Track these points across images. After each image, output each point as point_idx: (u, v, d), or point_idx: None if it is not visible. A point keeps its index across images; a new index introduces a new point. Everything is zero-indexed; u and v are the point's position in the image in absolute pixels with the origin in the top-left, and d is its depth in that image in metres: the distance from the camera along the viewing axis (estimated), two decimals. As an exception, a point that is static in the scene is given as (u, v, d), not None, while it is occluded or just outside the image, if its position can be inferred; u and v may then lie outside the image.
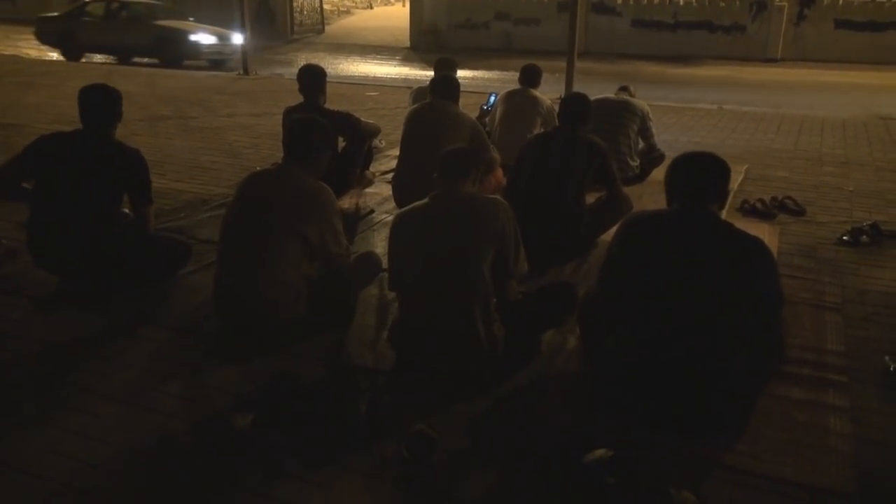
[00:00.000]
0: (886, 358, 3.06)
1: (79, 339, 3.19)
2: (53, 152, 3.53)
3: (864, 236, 4.57)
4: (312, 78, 4.87)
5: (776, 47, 18.05)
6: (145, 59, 15.57)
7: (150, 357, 3.06)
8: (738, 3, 18.82)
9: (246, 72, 12.51)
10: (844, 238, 4.59)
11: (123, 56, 15.81)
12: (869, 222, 4.73)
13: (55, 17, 16.70)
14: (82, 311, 3.44)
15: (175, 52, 14.85)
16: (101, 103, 3.59)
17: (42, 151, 3.54)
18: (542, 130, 5.43)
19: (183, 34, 15.07)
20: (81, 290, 3.60)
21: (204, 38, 15.18)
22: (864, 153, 7.28)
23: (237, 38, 14.60)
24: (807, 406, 2.75)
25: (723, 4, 19.05)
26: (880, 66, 16.21)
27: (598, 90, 6.36)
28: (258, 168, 3.56)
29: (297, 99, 4.88)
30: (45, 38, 16.45)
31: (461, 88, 4.93)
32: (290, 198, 3.09)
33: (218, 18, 20.40)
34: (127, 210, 3.73)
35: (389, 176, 5.35)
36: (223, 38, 15.42)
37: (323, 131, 3.31)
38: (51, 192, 3.51)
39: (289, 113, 4.76)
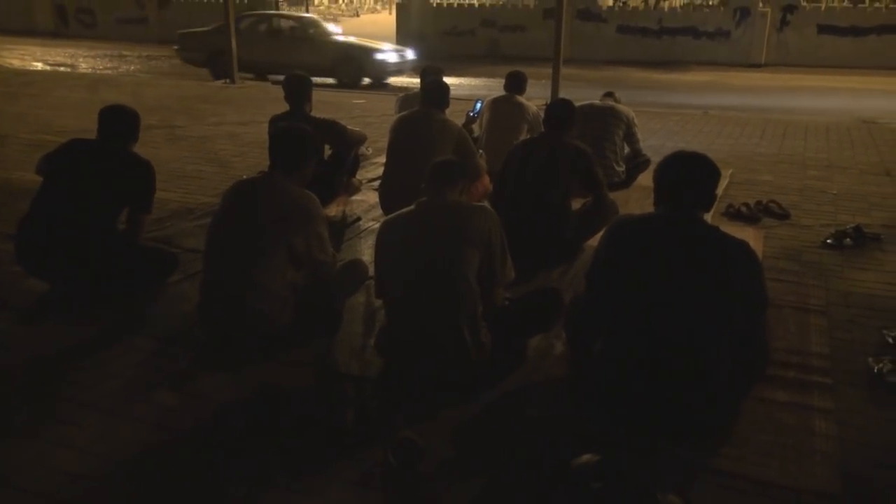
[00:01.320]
0: (870, 359, 3.08)
1: (64, 350, 3.16)
2: (68, 154, 3.64)
3: (848, 239, 4.62)
4: (298, 86, 4.87)
5: (760, 53, 18.21)
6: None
7: (136, 367, 3.04)
8: (721, 9, 18.99)
9: (232, 80, 12.48)
10: (828, 241, 4.63)
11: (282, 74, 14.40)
12: (852, 225, 4.77)
13: (203, 32, 14.80)
14: (67, 321, 3.42)
15: (358, 72, 13.78)
16: (119, 124, 3.70)
17: (59, 153, 3.66)
18: (529, 136, 5.45)
19: (368, 52, 13.97)
20: (66, 298, 3.58)
21: (390, 55, 14.16)
22: (848, 156, 7.35)
23: (410, 54, 14.36)
24: (792, 408, 2.77)
25: (707, 11, 19.22)
26: (863, 71, 16.38)
27: (583, 96, 6.39)
28: (244, 177, 3.56)
29: (284, 107, 4.87)
30: (190, 56, 14.79)
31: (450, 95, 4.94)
32: (275, 206, 3.09)
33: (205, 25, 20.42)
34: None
35: (376, 183, 5.35)
36: (401, 54, 14.50)
37: (308, 140, 3.31)
38: (56, 193, 3.56)
39: (274, 121, 4.75)
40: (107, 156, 3.62)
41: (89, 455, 2.44)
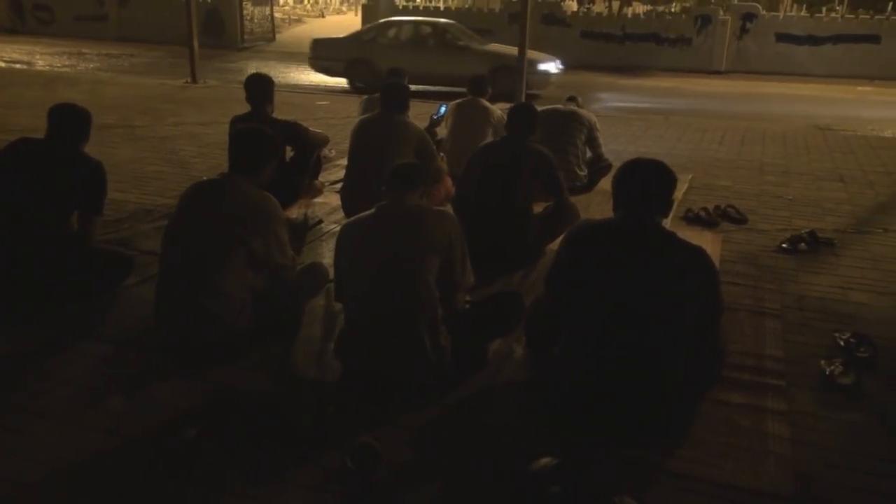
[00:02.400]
0: (822, 362, 3.15)
1: (13, 355, 3.08)
2: (15, 154, 3.53)
3: (803, 244, 4.71)
4: (260, 87, 4.82)
5: (721, 59, 18.52)
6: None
7: (89, 372, 2.98)
8: (683, 16, 19.30)
9: (194, 79, 12.32)
10: (784, 246, 4.72)
11: (430, 86, 12.82)
12: (807, 230, 4.88)
13: (339, 40, 14.08)
14: (17, 325, 3.33)
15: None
16: (69, 123, 3.60)
17: (5, 153, 3.55)
18: (492, 140, 5.46)
19: (530, 63, 12.46)
20: (15, 302, 3.49)
21: (550, 65, 13.28)
22: (803, 162, 7.51)
23: (560, 63, 13.64)
24: (747, 410, 2.81)
25: (669, 18, 19.49)
26: (819, 79, 16.77)
27: (547, 101, 6.43)
28: (203, 178, 3.50)
29: (246, 107, 4.82)
30: (324, 65, 13.84)
31: (412, 98, 4.93)
32: (234, 208, 3.05)
33: (167, 27, 20.12)
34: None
35: (338, 186, 5.32)
36: (556, 64, 13.55)
37: (268, 141, 3.28)
38: (3, 194, 3.47)
39: (235, 122, 4.70)
40: (55, 156, 3.52)
41: (37, 464, 2.38)
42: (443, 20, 14.82)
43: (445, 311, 2.88)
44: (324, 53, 13.88)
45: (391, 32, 14.13)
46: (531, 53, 13.43)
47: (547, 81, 13.12)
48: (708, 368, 2.73)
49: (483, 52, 13.36)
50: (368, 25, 14.64)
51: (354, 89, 12.80)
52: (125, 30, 21.85)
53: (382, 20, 14.95)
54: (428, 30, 14.09)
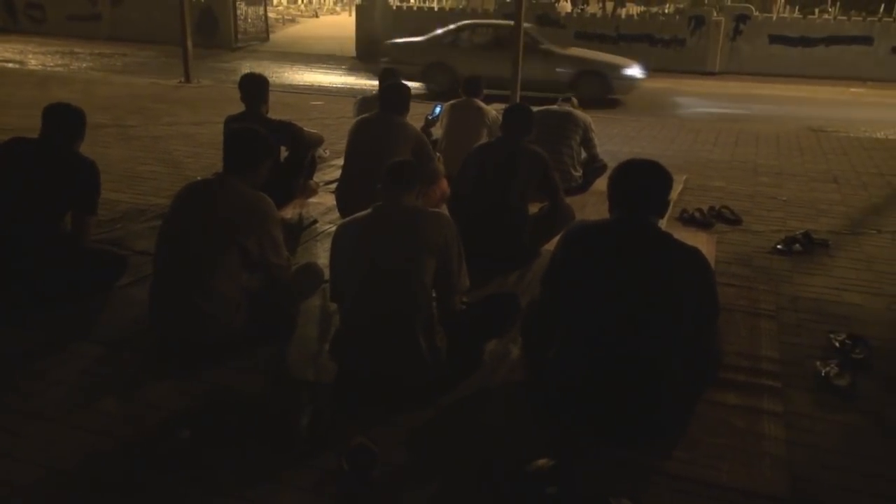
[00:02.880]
0: (817, 363, 3.15)
1: (6, 355, 3.06)
2: (8, 154, 3.51)
3: (797, 245, 4.72)
4: (254, 86, 4.80)
5: (714, 61, 18.54)
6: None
7: (83, 373, 2.96)
8: (677, 17, 19.32)
9: (187, 79, 12.28)
10: (778, 247, 4.73)
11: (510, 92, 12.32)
12: (801, 231, 4.89)
13: (416, 43, 13.59)
14: (10, 325, 3.30)
15: (604, 89, 12.37)
16: (64, 122, 3.58)
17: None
18: (488, 140, 5.46)
19: (616, 68, 12.69)
20: (8, 302, 3.46)
21: (635, 70, 12.83)
22: (797, 164, 7.53)
23: (644, 69, 13.13)
24: (742, 411, 2.82)
25: (663, 19, 19.52)
26: (811, 80, 16.81)
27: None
28: (197, 178, 3.49)
29: (240, 107, 4.80)
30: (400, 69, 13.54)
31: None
32: (228, 208, 3.03)
33: (160, 26, 20.05)
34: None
35: (333, 186, 5.31)
36: (640, 69, 13.09)
37: (262, 141, 3.26)
38: None
39: (229, 122, 4.68)
40: (49, 155, 3.50)
41: (30, 464, 2.36)
42: (524, 24, 14.35)
43: (441, 312, 2.87)
44: (399, 57, 13.27)
45: (469, 36, 13.71)
46: (616, 58, 13.37)
47: (632, 86, 12.80)
48: (704, 369, 2.72)
49: (566, 57, 13.05)
50: (445, 28, 13.96)
51: (430, 94, 12.26)
52: (118, 29, 21.73)
53: (460, 23, 14.21)
54: (507, 33, 12.97)
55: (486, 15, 20.70)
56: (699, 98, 13.91)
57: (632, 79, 12.77)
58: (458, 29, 13.81)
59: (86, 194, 3.55)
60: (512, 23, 14.27)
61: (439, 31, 13.90)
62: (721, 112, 11.94)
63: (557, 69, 12.58)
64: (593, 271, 2.60)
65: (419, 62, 12.91)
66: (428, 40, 13.60)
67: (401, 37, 20.41)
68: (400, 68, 12.96)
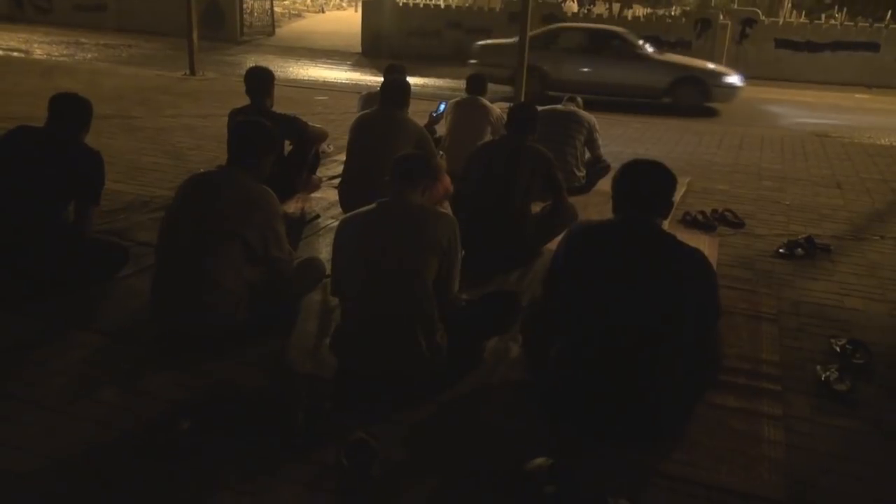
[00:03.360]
0: (818, 367, 3.15)
1: (7, 344, 3.06)
2: (13, 142, 3.50)
3: (800, 249, 4.72)
4: (260, 80, 4.80)
5: (720, 63, 18.53)
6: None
7: (83, 363, 2.96)
8: (683, 20, 19.31)
9: (192, 72, 12.28)
10: (781, 251, 4.73)
11: (604, 96, 11.94)
12: (804, 236, 4.88)
13: (507, 45, 12.67)
14: (12, 314, 3.31)
15: (702, 97, 12.02)
16: (70, 112, 3.57)
17: (4, 141, 3.52)
18: (491, 139, 5.45)
19: (717, 75, 12.33)
20: (10, 291, 3.46)
21: (736, 78, 12.37)
22: (801, 168, 7.52)
23: (743, 77, 12.66)
24: (742, 414, 2.81)
25: (669, 21, 19.51)
26: (817, 85, 16.80)
27: (546, 100, 6.42)
28: (201, 170, 3.49)
29: (244, 101, 4.80)
30: (488, 73, 11.95)
31: (412, 95, 4.91)
32: (231, 201, 3.03)
33: (166, 18, 20.05)
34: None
35: (336, 181, 5.31)
36: (740, 77, 12.63)
37: (267, 135, 3.26)
38: (2, 182, 3.44)
39: (234, 115, 4.68)
40: (55, 145, 3.49)
41: (30, 454, 2.36)
42: (617, 27, 14.02)
43: (441, 310, 2.86)
44: (488, 59, 12.83)
45: (563, 39, 13.23)
46: (716, 65, 12.97)
47: (734, 95, 12.34)
48: (704, 371, 2.72)
49: (663, 62, 12.66)
50: (537, 31, 13.21)
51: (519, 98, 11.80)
52: (124, 20, 21.73)
53: (552, 25, 13.89)
54: (602, 37, 13.19)
55: (491, 13, 20.70)
56: (793, 107, 13.43)
57: (732, 87, 12.30)
58: (550, 32, 13.37)
59: (90, 185, 3.55)
60: (608, 27, 14.08)
61: (531, 34, 13.13)
62: (823, 123, 11.39)
63: (653, 75, 12.22)
64: (595, 271, 2.60)
65: (509, 65, 12.16)
66: (518, 42, 13.11)
67: (406, 33, 20.49)
68: (488, 71, 12.10)
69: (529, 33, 13.25)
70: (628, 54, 12.54)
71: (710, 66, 12.95)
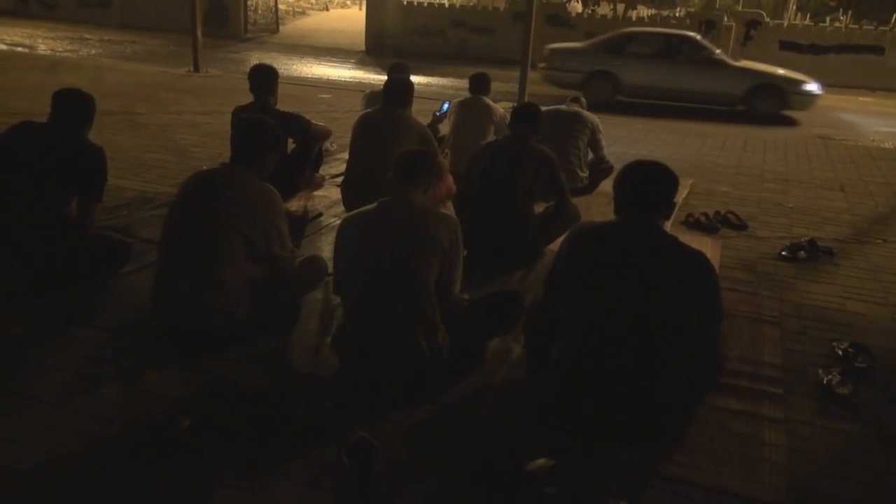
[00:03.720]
0: (820, 371, 3.15)
1: (8, 340, 3.06)
2: (17, 138, 3.50)
3: (802, 252, 4.71)
4: (263, 77, 4.80)
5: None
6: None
7: (85, 359, 2.96)
8: (688, 21, 19.29)
9: (196, 69, 12.28)
10: (783, 253, 4.72)
11: (677, 103, 11.95)
12: (807, 238, 4.87)
13: (579, 50, 12.91)
14: (13, 309, 3.31)
15: (780, 105, 11.80)
16: (73, 108, 3.57)
17: (7, 137, 3.52)
18: (494, 138, 5.45)
19: (795, 83, 11.97)
20: (12, 287, 3.46)
21: (815, 87, 11.99)
22: (804, 171, 7.51)
23: (821, 85, 12.28)
24: (743, 417, 2.81)
25: (674, 22, 19.48)
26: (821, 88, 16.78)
27: (550, 101, 6.42)
28: (204, 167, 3.49)
29: (248, 98, 4.80)
30: (560, 77, 12.59)
31: (415, 94, 4.91)
32: (234, 198, 3.03)
33: (170, 15, 20.05)
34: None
35: (339, 179, 5.31)
36: (819, 85, 12.20)
37: (271, 132, 3.26)
38: (3, 178, 3.44)
39: (238, 112, 4.68)
40: (58, 141, 3.49)
41: (30, 450, 2.36)
42: (690, 33, 13.80)
43: (443, 310, 2.86)
44: (561, 64, 12.75)
45: (636, 44, 12.84)
46: (794, 73, 12.57)
47: (812, 103, 11.99)
48: (705, 373, 2.72)
49: (740, 69, 12.33)
50: (607, 35, 13.38)
51: (591, 105, 11.79)
52: (128, 16, 21.76)
53: (624, 30, 13.62)
54: (677, 42, 12.77)
55: (495, 13, 20.69)
56: (870, 116, 13.26)
57: (811, 95, 11.95)
58: (622, 37, 13.01)
59: (93, 181, 3.55)
60: (682, 32, 13.63)
61: (601, 38, 13.28)
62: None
63: (729, 82, 12.00)
64: (597, 272, 2.59)
65: (581, 70, 12.27)
66: (592, 48, 12.96)
67: (410, 32, 20.46)
68: (560, 76, 12.50)
69: (599, 38, 13.15)
70: (703, 60, 12.25)
71: (789, 73, 12.60)
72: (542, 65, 12.90)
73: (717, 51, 12.72)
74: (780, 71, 12.61)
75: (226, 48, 17.97)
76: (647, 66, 12.32)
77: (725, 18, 18.86)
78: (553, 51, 13.04)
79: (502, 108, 5.94)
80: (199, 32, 12.21)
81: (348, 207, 4.61)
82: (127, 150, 6.42)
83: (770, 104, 11.76)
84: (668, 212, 2.72)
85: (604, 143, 6.03)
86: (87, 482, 2.25)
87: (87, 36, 18.70)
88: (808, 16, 20.84)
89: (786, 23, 19.39)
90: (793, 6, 25.86)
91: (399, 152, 3.00)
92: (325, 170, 5.83)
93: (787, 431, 2.73)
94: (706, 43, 12.86)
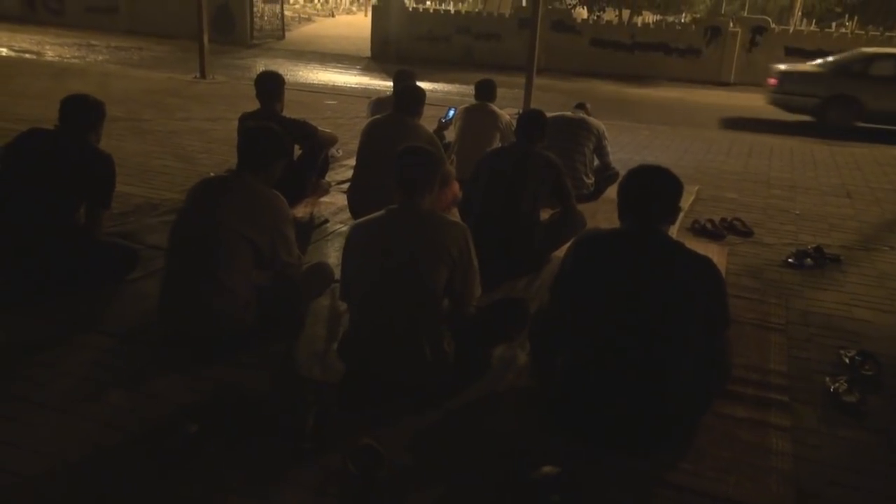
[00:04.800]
0: (826, 379, 3.14)
1: (15, 345, 3.08)
2: (26, 144, 3.52)
3: (809, 259, 4.70)
4: (270, 84, 4.81)
5: (729, 71, 18.53)
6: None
7: (91, 365, 2.97)
8: (693, 27, 19.33)
9: (203, 75, 12.33)
10: (790, 260, 4.71)
11: None
12: (813, 245, 4.86)
13: (814, 73, 11.91)
14: (21, 315, 3.32)
15: None
16: (82, 114, 3.59)
17: (16, 143, 3.53)
18: (500, 145, 5.46)
19: None
20: (21, 293, 3.47)
21: None
22: (810, 177, 7.50)
23: None
24: (750, 425, 2.80)
25: (679, 28, 19.54)
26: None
27: (555, 107, 6.43)
28: (211, 174, 3.50)
29: (254, 104, 4.82)
30: (792, 101, 11.71)
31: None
32: (241, 205, 3.04)
33: (177, 21, 20.16)
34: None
35: (345, 186, 5.32)
36: None
37: (277, 139, 3.27)
38: (12, 184, 3.46)
39: (244, 119, 4.70)
40: (67, 147, 3.51)
41: (38, 455, 2.38)
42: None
43: (454, 320, 2.86)
44: (794, 88, 11.69)
45: (882, 65, 11.50)
46: None
47: None
48: (712, 380, 2.71)
49: None
50: (844, 55, 12.37)
51: (826, 131, 10.45)
52: (135, 23, 21.89)
53: (860, 50, 12.65)
54: None
55: (501, 19, 20.73)
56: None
57: None
58: (862, 58, 11.87)
59: (101, 188, 3.57)
60: None
61: (838, 58, 12.26)
62: None
63: None
64: (603, 279, 2.59)
65: (819, 94, 11.28)
66: (829, 70, 11.98)
67: (416, 38, 20.48)
68: (792, 100, 11.48)
69: (835, 58, 12.14)
70: None
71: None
72: (772, 90, 12.04)
73: None
74: None
75: (232, 54, 18.05)
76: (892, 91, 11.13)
77: (731, 25, 18.88)
78: (785, 73, 12.05)
79: (508, 115, 5.94)
80: (205, 39, 12.26)
81: (355, 214, 4.62)
82: (133, 157, 6.45)
83: None
84: (673, 216, 2.72)
85: (610, 149, 6.03)
86: (93, 487, 2.26)
87: (94, 42, 18.81)
88: (814, 21, 20.84)
89: (791, 28, 19.42)
90: (798, 12, 25.86)
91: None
92: (332, 176, 5.84)
93: (793, 439, 2.72)
94: None
